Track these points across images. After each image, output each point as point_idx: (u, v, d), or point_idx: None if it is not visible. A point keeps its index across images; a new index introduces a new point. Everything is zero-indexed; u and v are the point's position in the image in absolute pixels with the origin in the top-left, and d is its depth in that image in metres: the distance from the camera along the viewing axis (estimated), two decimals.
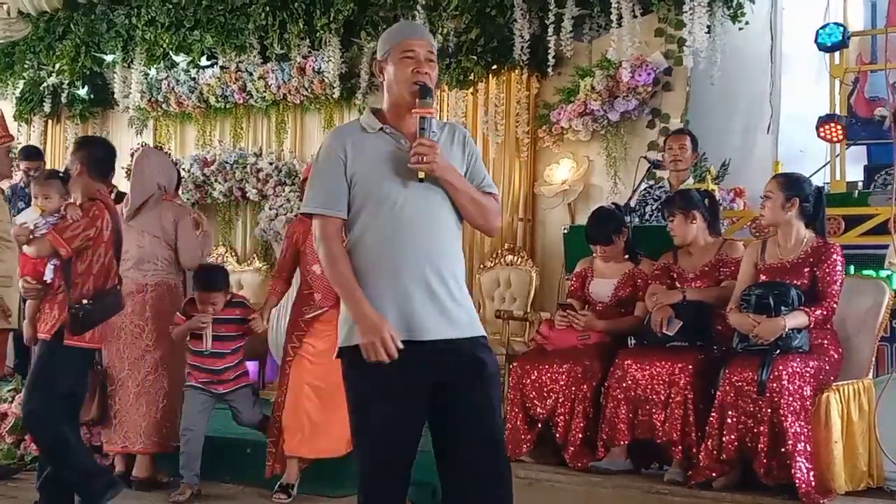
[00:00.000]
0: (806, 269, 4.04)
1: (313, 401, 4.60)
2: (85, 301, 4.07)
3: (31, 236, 4.15)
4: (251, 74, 8.12)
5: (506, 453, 2.72)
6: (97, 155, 4.36)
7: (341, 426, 4.57)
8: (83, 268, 4.11)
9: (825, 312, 3.98)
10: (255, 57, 8.13)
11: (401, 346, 2.55)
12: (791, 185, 4.14)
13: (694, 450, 4.03)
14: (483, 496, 2.62)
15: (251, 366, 7.11)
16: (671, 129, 6.26)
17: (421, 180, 2.65)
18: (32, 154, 7.01)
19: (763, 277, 4.12)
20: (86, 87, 8.95)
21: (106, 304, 4.17)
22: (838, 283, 4.02)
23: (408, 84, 2.69)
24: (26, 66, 9.36)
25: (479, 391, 2.65)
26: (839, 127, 5.49)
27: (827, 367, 3.96)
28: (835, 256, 4.03)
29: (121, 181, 6.97)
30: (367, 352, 2.56)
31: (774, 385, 3.79)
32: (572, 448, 4.31)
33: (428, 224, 2.68)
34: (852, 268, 4.52)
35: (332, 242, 2.68)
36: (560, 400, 4.37)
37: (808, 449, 3.75)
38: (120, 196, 5.25)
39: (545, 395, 4.41)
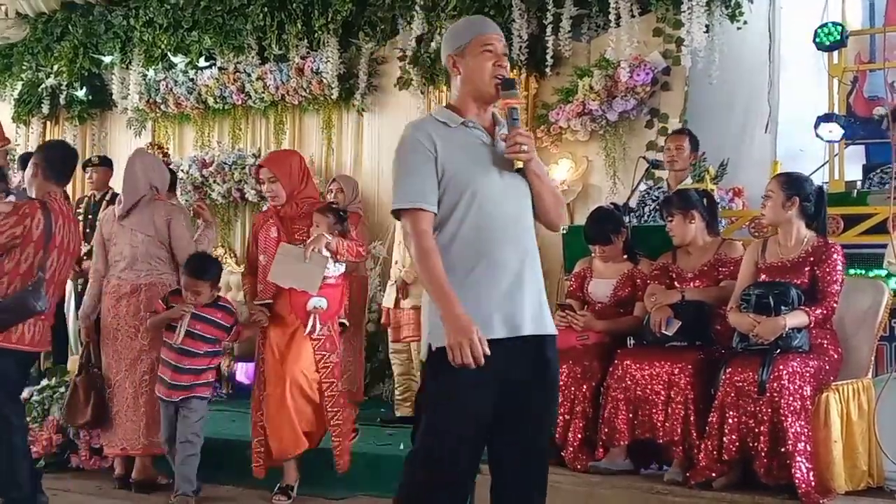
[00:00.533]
0: (806, 269, 4.03)
1: (291, 397, 4.58)
2: None
3: None
4: (249, 75, 8.11)
5: (546, 452, 2.80)
6: (53, 157, 4.38)
7: (296, 425, 4.55)
8: (10, 266, 4.11)
9: (825, 312, 3.98)
10: (253, 58, 8.12)
11: (488, 351, 2.51)
12: (791, 184, 4.13)
13: (694, 450, 4.02)
14: (518, 488, 2.70)
15: (249, 367, 7.10)
16: (670, 128, 6.26)
17: (518, 170, 2.65)
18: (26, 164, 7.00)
19: (763, 277, 4.11)
20: (84, 89, 8.94)
21: (16, 305, 4.08)
22: (838, 283, 4.00)
23: (490, 77, 2.70)
24: (24, 67, 9.33)
25: (543, 389, 2.74)
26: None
27: (827, 367, 3.95)
28: (835, 256, 4.02)
29: (120, 182, 6.97)
30: (454, 353, 2.50)
31: (774, 385, 3.77)
32: (571, 448, 4.30)
33: (519, 218, 2.69)
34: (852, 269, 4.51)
35: (425, 237, 2.63)
36: (559, 400, 4.36)
37: (808, 449, 3.74)
38: (114, 197, 5.25)
39: None
